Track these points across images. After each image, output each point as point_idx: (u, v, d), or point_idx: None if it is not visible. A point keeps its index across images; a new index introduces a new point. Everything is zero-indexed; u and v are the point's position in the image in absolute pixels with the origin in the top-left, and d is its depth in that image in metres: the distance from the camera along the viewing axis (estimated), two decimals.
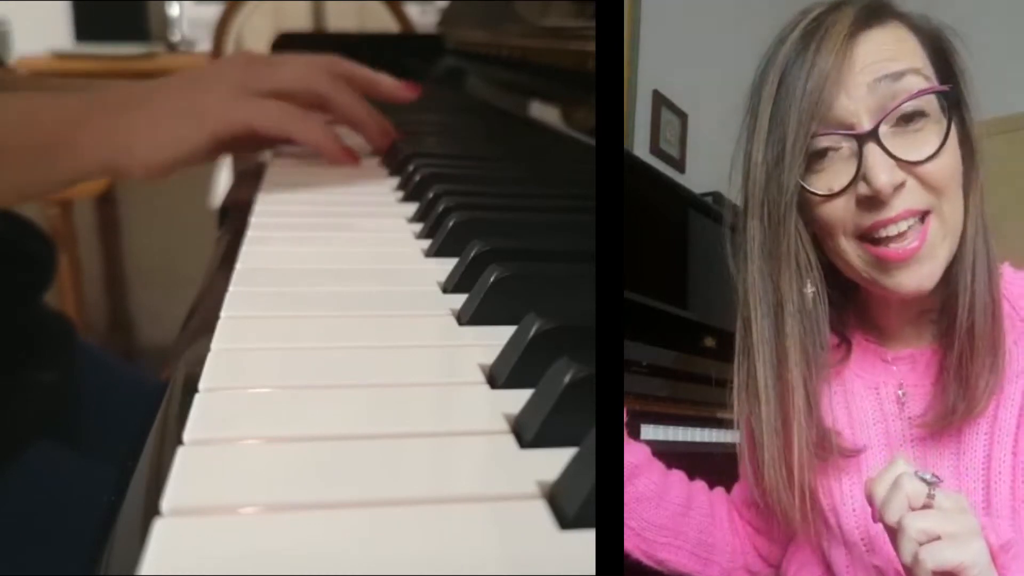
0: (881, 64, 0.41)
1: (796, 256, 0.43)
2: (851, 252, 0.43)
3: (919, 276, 0.41)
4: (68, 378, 0.79)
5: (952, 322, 0.43)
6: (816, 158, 0.42)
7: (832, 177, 0.41)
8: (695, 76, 1.67)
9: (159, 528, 0.25)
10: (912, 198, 0.41)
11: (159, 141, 0.66)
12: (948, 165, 0.41)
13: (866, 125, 0.40)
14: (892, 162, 0.40)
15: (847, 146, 0.41)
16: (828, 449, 0.45)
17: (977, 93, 0.43)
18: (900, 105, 0.40)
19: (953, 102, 0.42)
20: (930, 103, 0.41)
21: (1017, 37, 1.58)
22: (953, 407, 0.43)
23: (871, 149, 0.40)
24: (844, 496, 0.48)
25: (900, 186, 0.40)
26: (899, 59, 0.41)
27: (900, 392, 0.47)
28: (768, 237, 0.43)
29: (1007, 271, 0.46)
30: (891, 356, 0.48)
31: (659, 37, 1.56)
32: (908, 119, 0.41)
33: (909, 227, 0.41)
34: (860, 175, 0.40)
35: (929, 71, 0.42)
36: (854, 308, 0.49)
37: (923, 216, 0.41)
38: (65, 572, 0.56)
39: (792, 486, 0.45)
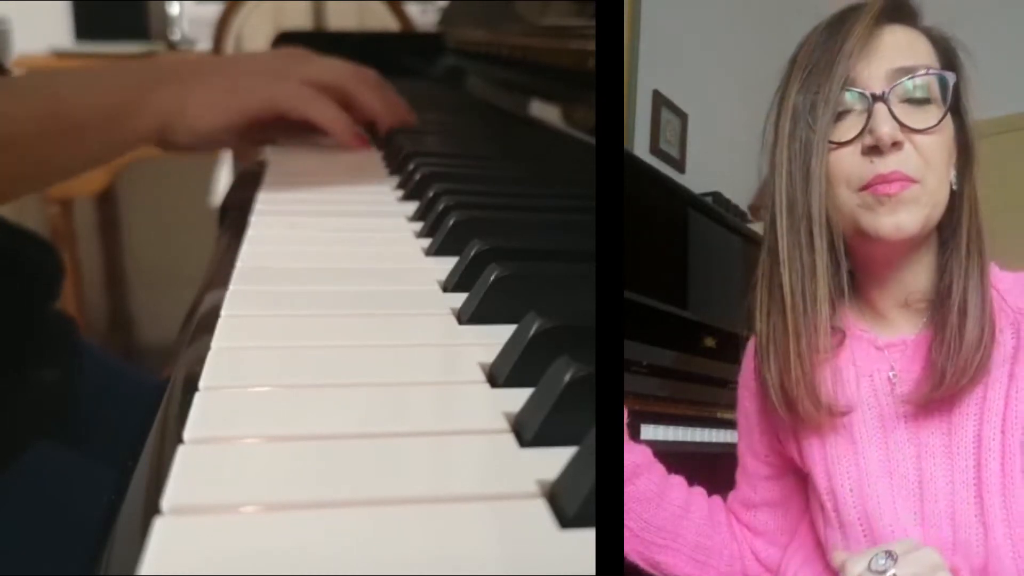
0: (899, 55, 0.47)
1: (821, 193, 0.48)
2: (849, 201, 0.47)
3: (897, 220, 0.46)
4: (68, 377, 0.79)
5: (945, 310, 0.47)
6: (836, 116, 0.47)
7: (843, 130, 0.47)
8: (695, 76, 1.67)
9: (159, 527, 0.25)
10: (906, 161, 0.46)
11: (206, 112, 0.75)
12: (941, 142, 0.47)
13: (878, 89, 0.46)
14: (895, 122, 0.46)
15: (860, 106, 0.47)
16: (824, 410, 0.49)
17: (975, 96, 0.49)
18: (912, 74, 0.46)
19: (953, 91, 0.47)
20: (935, 91, 0.47)
21: (1016, 37, 1.58)
22: (940, 379, 0.46)
23: (879, 107, 0.46)
24: (840, 476, 0.49)
25: (898, 145, 0.46)
26: (914, 54, 0.48)
27: (891, 374, 0.50)
28: (797, 170, 0.48)
29: (994, 270, 0.49)
30: (883, 343, 0.51)
31: (659, 37, 1.56)
32: (914, 102, 0.47)
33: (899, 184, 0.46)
34: (868, 128, 0.46)
35: (937, 68, 0.48)
36: (850, 299, 0.51)
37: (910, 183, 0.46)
38: (65, 572, 0.56)
39: (814, 375, 0.49)
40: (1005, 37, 1.56)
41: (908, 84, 0.46)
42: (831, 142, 0.47)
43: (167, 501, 0.26)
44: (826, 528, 0.51)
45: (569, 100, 0.85)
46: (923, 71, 0.47)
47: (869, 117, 0.46)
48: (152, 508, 0.26)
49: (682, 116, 1.64)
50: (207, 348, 0.39)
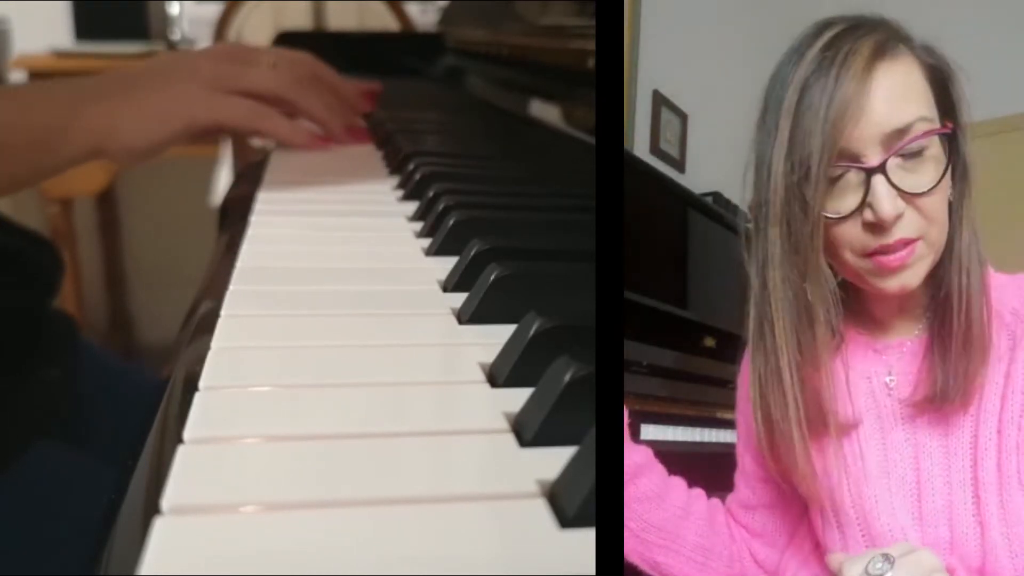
0: (893, 111, 0.44)
1: (820, 274, 0.46)
2: (852, 263, 0.46)
3: (902, 281, 0.46)
4: (69, 377, 0.79)
5: (945, 317, 0.47)
6: (830, 183, 0.45)
7: (840, 202, 0.45)
8: (695, 76, 1.67)
9: (159, 527, 0.25)
10: (909, 227, 0.44)
11: (141, 128, 0.72)
12: (942, 198, 0.45)
13: (874, 159, 0.44)
14: (895, 192, 0.44)
15: (856, 178, 0.44)
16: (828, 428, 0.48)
17: (970, 107, 0.47)
18: (906, 144, 0.44)
19: (952, 139, 0.45)
20: (933, 141, 0.45)
21: (1016, 37, 1.58)
22: (943, 392, 0.46)
23: (878, 180, 0.43)
24: (838, 476, 0.49)
25: (900, 216, 0.44)
26: (908, 103, 0.44)
27: (889, 378, 0.50)
28: (789, 250, 0.46)
29: (988, 272, 0.49)
30: (881, 346, 0.51)
31: (659, 37, 1.56)
32: (911, 155, 0.44)
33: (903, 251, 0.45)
34: (867, 203, 0.44)
35: (933, 113, 0.45)
36: (848, 304, 0.51)
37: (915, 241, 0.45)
38: (65, 572, 0.56)
39: (822, 467, 0.48)
40: (1005, 37, 1.56)
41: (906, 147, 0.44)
42: (828, 216, 0.45)
43: (167, 501, 0.26)
44: (824, 528, 0.51)
45: (569, 100, 0.85)
46: (919, 131, 0.44)
47: (867, 190, 0.44)
48: (152, 508, 0.26)
49: (682, 116, 1.64)
50: (207, 348, 0.39)
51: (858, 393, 0.50)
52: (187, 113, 0.74)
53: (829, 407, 0.48)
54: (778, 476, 0.52)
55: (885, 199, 0.43)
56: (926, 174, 0.44)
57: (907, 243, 0.44)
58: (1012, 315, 0.48)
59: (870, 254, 0.45)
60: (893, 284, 0.46)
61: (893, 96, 0.44)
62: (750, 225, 0.49)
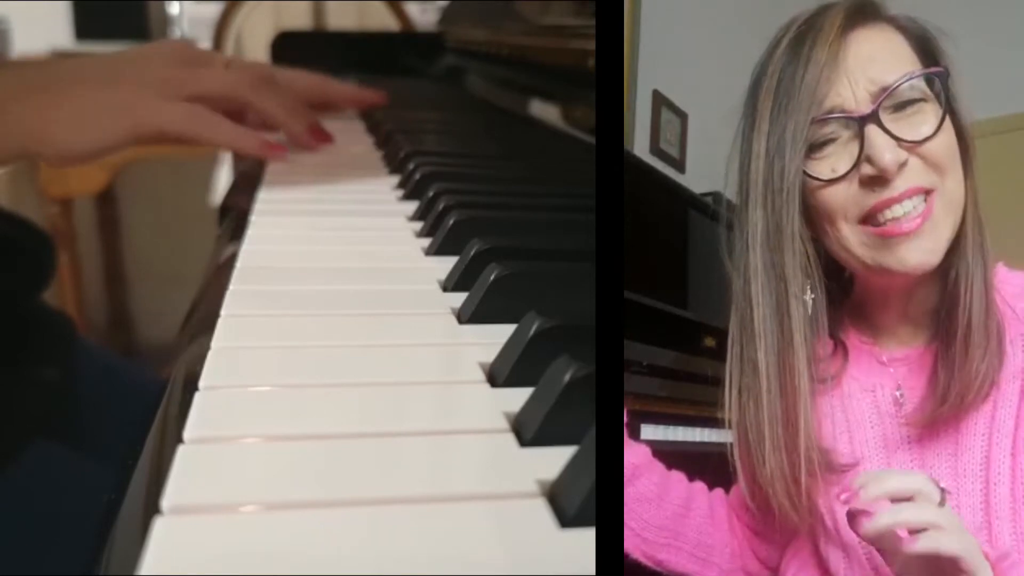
0: (877, 68, 0.42)
1: (798, 247, 0.44)
2: (852, 238, 0.43)
3: (922, 251, 0.42)
4: (68, 376, 0.79)
5: (951, 318, 0.44)
6: (816, 148, 0.43)
7: (834, 162, 0.43)
8: (695, 76, 1.67)
9: (159, 526, 0.25)
10: (916, 176, 0.42)
11: (78, 133, 0.66)
12: (947, 143, 0.42)
13: (865, 109, 0.42)
14: (894, 142, 0.41)
15: (847, 132, 0.42)
16: (824, 466, 0.45)
17: (965, 89, 0.44)
18: (897, 87, 0.42)
19: (944, 83, 0.43)
20: (923, 90, 0.43)
21: (1016, 37, 1.58)
22: (944, 394, 0.43)
23: (872, 130, 0.41)
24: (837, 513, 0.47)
25: (903, 164, 0.41)
26: (893, 63, 0.43)
27: (898, 393, 0.47)
28: (771, 226, 0.44)
29: (1001, 271, 0.47)
30: (887, 357, 0.48)
31: (659, 37, 1.56)
32: (903, 106, 0.42)
33: (913, 206, 0.42)
34: (863, 157, 0.41)
35: (919, 68, 0.44)
36: (849, 308, 0.49)
37: (926, 194, 0.42)
38: (65, 572, 0.56)
39: (796, 487, 0.45)
40: (1005, 37, 1.56)
41: (896, 94, 0.42)
42: (817, 179, 0.43)
43: (167, 501, 0.26)
44: (827, 544, 0.49)
45: (569, 99, 0.85)
46: (907, 78, 0.42)
47: (861, 144, 0.41)
48: (152, 508, 0.26)
49: (682, 116, 1.64)
50: (207, 348, 0.39)
51: (861, 409, 0.47)
52: (128, 119, 0.68)
53: (827, 445, 0.45)
54: (757, 504, 0.49)
55: (884, 147, 0.41)
56: (924, 123, 0.42)
57: (918, 192, 0.41)
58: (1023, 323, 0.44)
59: (871, 213, 0.42)
60: (911, 257, 0.41)
61: (874, 56, 0.43)
62: (731, 228, 0.47)
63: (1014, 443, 0.43)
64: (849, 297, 0.49)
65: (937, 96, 0.43)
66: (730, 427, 0.47)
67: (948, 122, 0.43)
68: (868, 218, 0.43)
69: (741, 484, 0.49)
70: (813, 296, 0.44)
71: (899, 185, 0.41)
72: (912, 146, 0.42)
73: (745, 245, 0.45)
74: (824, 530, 0.49)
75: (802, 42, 0.43)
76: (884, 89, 0.42)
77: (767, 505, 0.47)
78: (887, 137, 0.41)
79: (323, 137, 0.90)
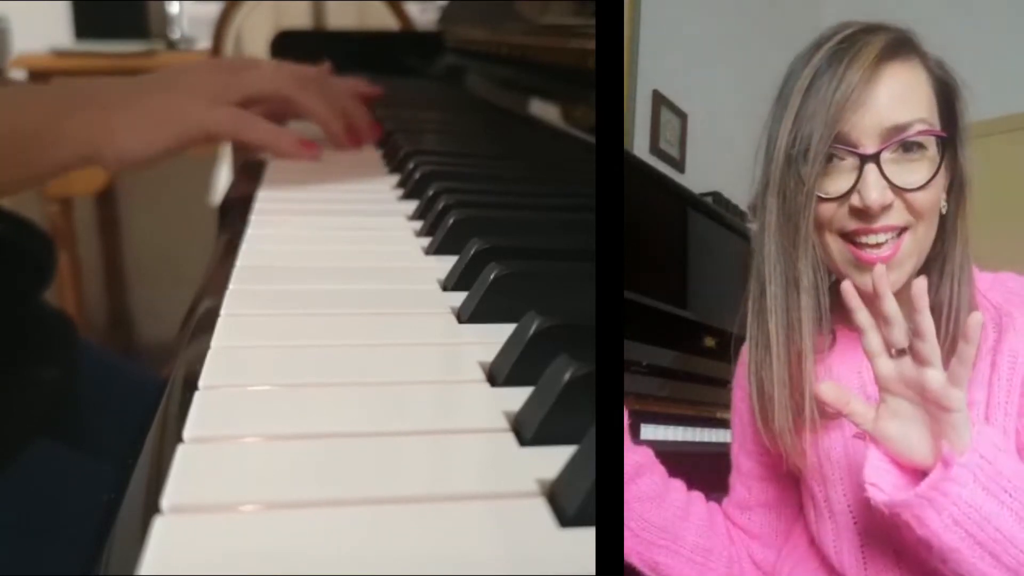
0: (895, 108, 0.46)
1: (810, 248, 0.48)
2: (833, 247, 0.48)
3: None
4: (68, 376, 0.79)
5: (936, 320, 0.46)
6: (826, 160, 0.47)
7: (832, 182, 0.46)
8: (695, 76, 1.67)
9: (159, 526, 0.25)
10: (896, 215, 0.46)
11: (136, 139, 0.73)
12: (932, 196, 0.46)
13: (870, 148, 0.45)
14: (885, 184, 0.45)
15: (851, 161, 0.46)
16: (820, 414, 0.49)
17: (969, 114, 0.48)
18: (902, 138, 0.45)
19: (949, 144, 0.47)
20: (929, 140, 0.46)
21: (1016, 37, 1.58)
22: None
23: (870, 169, 0.45)
24: (830, 465, 0.50)
25: (888, 206, 0.45)
26: (911, 105, 0.46)
27: None
28: (783, 219, 0.48)
29: (973, 271, 0.50)
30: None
31: (659, 37, 1.56)
32: (908, 148, 0.46)
33: (887, 239, 0.46)
34: (856, 188, 0.45)
35: (935, 120, 0.47)
36: (839, 304, 0.51)
37: (900, 231, 0.46)
38: (65, 571, 0.56)
39: (799, 435, 0.50)
40: (1005, 37, 1.56)
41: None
42: (819, 195, 0.46)
43: (167, 500, 0.26)
44: (817, 521, 0.51)
45: (569, 99, 0.85)
46: (917, 129, 0.45)
47: (859, 176, 0.45)
48: (152, 507, 0.26)
49: (682, 116, 1.64)
50: (207, 347, 0.39)
51: (849, 383, 0.50)
52: (180, 124, 0.74)
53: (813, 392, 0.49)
54: (770, 443, 0.52)
55: (873, 187, 0.45)
56: (919, 172, 0.46)
57: (892, 229, 0.46)
58: (997, 310, 0.48)
59: (851, 235, 0.46)
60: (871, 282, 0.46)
61: (897, 94, 0.46)
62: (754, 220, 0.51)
63: (987, 409, 0.46)
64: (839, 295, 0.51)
65: (939, 151, 0.46)
66: (749, 378, 0.52)
67: (938, 178, 0.46)
68: (848, 236, 0.47)
69: (759, 424, 0.52)
70: (819, 293, 0.48)
71: (880, 220, 0.46)
72: (901, 191, 0.45)
73: (761, 226, 0.49)
74: (814, 504, 0.52)
75: (840, 59, 0.46)
76: (895, 129, 0.45)
77: (775, 446, 0.51)
78: (881, 179, 0.45)
79: (359, 139, 0.92)
